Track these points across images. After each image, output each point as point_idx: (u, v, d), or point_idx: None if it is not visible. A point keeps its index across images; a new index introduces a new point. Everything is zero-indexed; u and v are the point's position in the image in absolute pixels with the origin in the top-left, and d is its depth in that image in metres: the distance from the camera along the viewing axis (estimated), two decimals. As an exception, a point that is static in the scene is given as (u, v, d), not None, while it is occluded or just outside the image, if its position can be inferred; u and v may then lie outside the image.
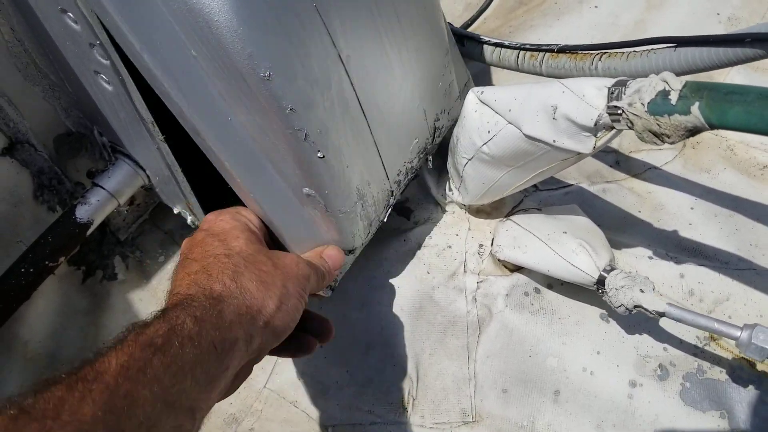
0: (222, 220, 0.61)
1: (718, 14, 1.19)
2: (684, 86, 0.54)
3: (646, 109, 0.55)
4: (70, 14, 0.60)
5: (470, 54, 0.91)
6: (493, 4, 1.19)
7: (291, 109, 0.60)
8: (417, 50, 0.75)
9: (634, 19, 1.17)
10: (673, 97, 0.54)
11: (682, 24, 1.16)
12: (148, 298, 0.90)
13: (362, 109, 0.69)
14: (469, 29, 1.15)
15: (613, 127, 0.60)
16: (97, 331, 0.86)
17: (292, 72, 0.59)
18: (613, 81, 0.59)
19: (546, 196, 0.94)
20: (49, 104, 0.77)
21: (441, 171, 0.90)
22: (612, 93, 0.58)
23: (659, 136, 0.56)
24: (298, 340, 0.65)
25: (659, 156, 1.02)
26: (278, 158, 0.65)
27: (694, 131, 0.54)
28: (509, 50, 0.85)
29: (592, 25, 1.15)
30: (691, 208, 0.95)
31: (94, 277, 0.88)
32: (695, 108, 0.52)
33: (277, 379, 0.86)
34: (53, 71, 0.74)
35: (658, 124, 0.55)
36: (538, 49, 0.82)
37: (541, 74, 0.83)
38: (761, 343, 0.65)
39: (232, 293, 0.51)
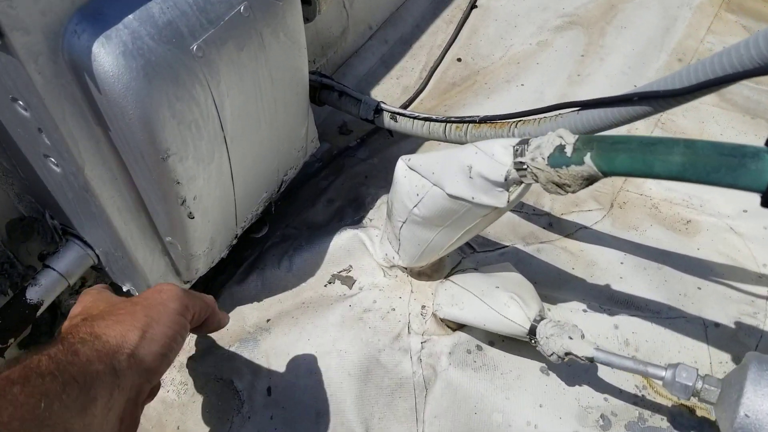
0: (88, 292, 0.68)
1: (635, 86, 1.30)
2: (577, 140, 0.60)
3: (547, 162, 0.61)
4: (20, 102, 0.65)
5: (403, 129, 0.97)
6: (428, 87, 1.28)
7: (178, 183, 0.71)
8: (284, 124, 0.88)
9: (557, 93, 1.27)
10: (569, 150, 0.60)
11: (600, 96, 1.26)
12: (98, 380, 0.90)
13: (233, 177, 0.81)
14: (407, 109, 1.23)
15: (522, 182, 0.65)
16: (45, 415, 0.85)
17: (185, 153, 0.70)
18: (517, 140, 0.65)
19: (483, 257, 0.98)
20: (2, 190, 0.80)
21: (382, 238, 0.94)
22: (517, 150, 0.64)
23: (561, 186, 0.62)
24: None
25: (589, 216, 1.09)
26: (155, 213, 0.77)
27: (590, 180, 0.60)
28: (437, 123, 0.92)
29: (519, 101, 1.24)
30: (621, 263, 1.01)
31: (44, 360, 0.89)
32: (587, 158, 0.58)
33: (227, 452, 0.86)
34: (6, 158, 0.78)
35: (558, 176, 0.61)
36: (462, 121, 0.89)
37: (466, 144, 0.90)
38: (684, 381, 0.69)
39: (85, 340, 0.55)
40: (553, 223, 1.08)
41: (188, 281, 0.89)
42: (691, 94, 0.64)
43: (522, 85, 1.28)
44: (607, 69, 1.34)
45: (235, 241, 0.92)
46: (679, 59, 1.38)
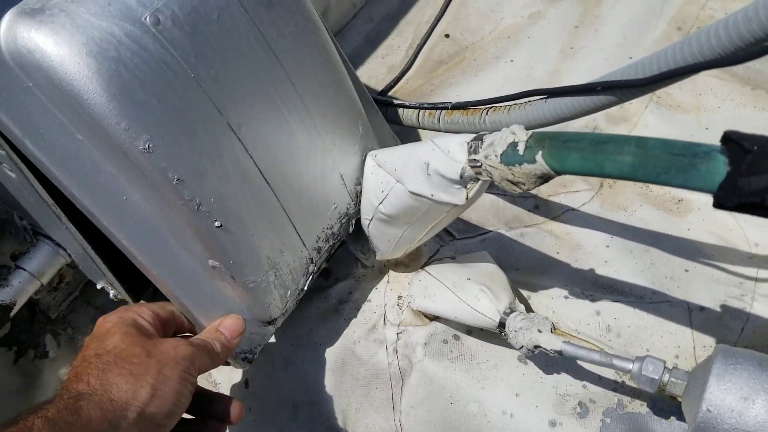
0: (107, 320, 0.63)
1: (631, 58, 1.26)
2: (529, 137, 0.58)
3: (500, 160, 0.59)
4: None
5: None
6: (414, 66, 1.25)
7: (179, 180, 0.63)
8: (322, 116, 0.77)
9: (548, 70, 1.23)
10: (521, 148, 0.58)
11: (593, 71, 1.22)
12: (80, 374, 0.92)
13: (264, 176, 0.72)
14: (392, 90, 1.21)
15: (479, 178, 0.63)
16: (29, 411, 0.87)
17: (174, 142, 0.62)
18: (472, 136, 0.63)
19: (462, 244, 0.97)
20: (-31, 193, 0.81)
21: (359, 228, 0.93)
22: (471, 147, 0.62)
23: (516, 184, 0.60)
24: (203, 427, 0.68)
25: (577, 198, 1.06)
26: (178, 232, 0.68)
27: (544, 178, 0.58)
28: (410, 110, 0.90)
29: (508, 78, 1.21)
30: (607, 246, 0.99)
31: (26, 357, 0.91)
32: (539, 157, 0.57)
33: (207, 445, 0.87)
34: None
35: (512, 174, 0.59)
36: (434, 107, 0.87)
37: (440, 130, 0.88)
38: (650, 374, 0.68)
39: (94, 390, 0.53)
40: (540, 206, 1.06)
41: (269, 321, 0.78)
42: (653, 84, 0.62)
43: (511, 61, 1.24)
44: (602, 41, 1.30)
45: (314, 267, 0.81)
46: (678, 27, 1.32)
